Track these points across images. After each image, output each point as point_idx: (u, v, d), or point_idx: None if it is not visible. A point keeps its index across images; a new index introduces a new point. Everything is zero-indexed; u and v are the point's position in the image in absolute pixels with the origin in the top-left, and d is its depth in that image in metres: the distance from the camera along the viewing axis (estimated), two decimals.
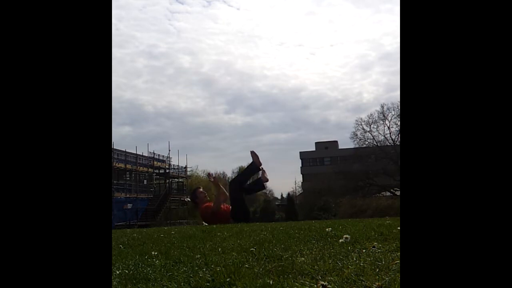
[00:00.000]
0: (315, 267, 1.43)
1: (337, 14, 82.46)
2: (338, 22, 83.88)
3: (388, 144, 36.00)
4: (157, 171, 36.86)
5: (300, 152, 59.78)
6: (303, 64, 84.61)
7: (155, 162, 35.59)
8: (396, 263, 1.40)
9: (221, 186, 6.34)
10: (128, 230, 5.22)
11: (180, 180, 37.42)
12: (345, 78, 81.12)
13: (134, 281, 1.44)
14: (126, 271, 1.61)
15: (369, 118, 37.17)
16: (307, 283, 1.26)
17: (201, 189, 6.72)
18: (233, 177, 7.88)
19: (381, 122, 36.50)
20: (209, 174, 7.05)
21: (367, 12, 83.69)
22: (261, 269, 1.46)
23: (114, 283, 1.42)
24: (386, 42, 75.71)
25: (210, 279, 1.37)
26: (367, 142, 37.44)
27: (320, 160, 57.61)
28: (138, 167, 34.09)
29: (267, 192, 61.88)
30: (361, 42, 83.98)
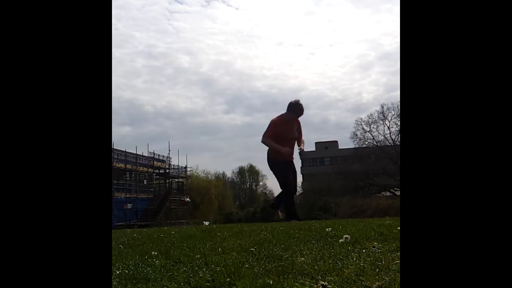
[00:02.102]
0: (315, 267, 1.43)
1: (336, 14, 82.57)
2: (337, 22, 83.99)
3: (388, 144, 36.03)
4: (157, 171, 36.88)
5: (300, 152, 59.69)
6: (302, 64, 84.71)
7: (155, 162, 35.63)
8: (396, 263, 1.40)
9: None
10: (128, 230, 5.22)
11: (180, 180, 37.45)
12: (344, 78, 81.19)
13: (134, 281, 1.44)
14: (126, 271, 1.61)
15: (369, 118, 37.22)
16: (307, 283, 1.26)
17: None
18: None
19: (381, 122, 36.55)
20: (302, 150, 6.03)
21: (367, 12, 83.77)
22: (261, 269, 1.46)
23: (114, 283, 1.42)
24: (385, 42, 75.77)
25: (210, 279, 1.37)
26: (367, 142, 37.48)
27: (320, 160, 57.65)
28: (138, 167, 34.12)
29: (267, 192, 61.98)
30: (360, 42, 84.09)
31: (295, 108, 5.71)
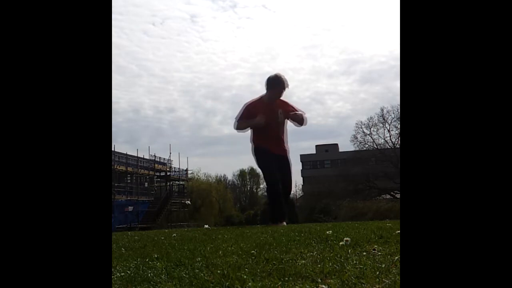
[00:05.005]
0: (316, 269, 1.44)
1: None
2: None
3: (388, 147, 36.09)
4: (158, 174, 36.91)
5: (301, 155, 59.85)
6: None
7: (156, 165, 35.64)
8: (397, 266, 1.41)
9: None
10: (129, 232, 5.23)
11: (181, 183, 37.46)
12: None
13: (135, 283, 1.45)
14: (128, 272, 1.62)
15: (369, 121, 37.27)
16: (308, 286, 1.26)
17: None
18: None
19: (381, 125, 36.62)
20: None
21: None
22: (261, 272, 1.46)
23: (116, 286, 1.42)
24: None
25: (210, 281, 1.38)
26: (367, 145, 37.55)
27: (321, 163, 57.69)
28: (139, 169, 34.14)
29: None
30: None
31: (275, 82, 4.56)
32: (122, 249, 2.53)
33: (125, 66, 73.78)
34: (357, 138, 37.38)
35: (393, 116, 35.25)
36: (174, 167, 37.48)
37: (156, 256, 2.02)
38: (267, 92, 4.68)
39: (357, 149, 37.71)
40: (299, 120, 4.71)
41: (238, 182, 65.55)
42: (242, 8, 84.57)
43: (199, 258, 1.84)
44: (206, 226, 5.96)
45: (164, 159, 36.84)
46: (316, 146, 60.09)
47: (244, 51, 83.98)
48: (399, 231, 2.35)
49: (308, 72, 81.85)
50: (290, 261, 1.63)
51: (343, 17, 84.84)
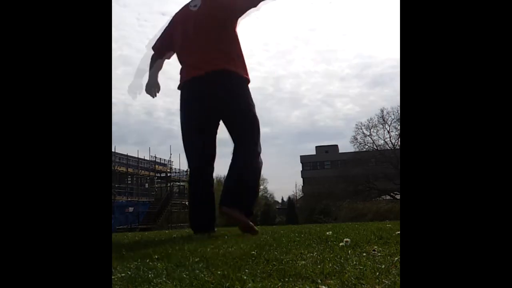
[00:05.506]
0: (316, 270, 1.44)
1: None
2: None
3: (388, 148, 36.15)
4: (159, 175, 36.94)
5: (301, 156, 59.92)
6: None
7: (156, 166, 35.68)
8: (396, 266, 1.41)
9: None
10: (130, 233, 5.23)
11: (181, 184, 37.46)
12: None
13: (136, 284, 1.45)
14: (129, 272, 1.62)
15: (369, 122, 37.36)
16: (308, 286, 1.27)
17: None
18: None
19: (381, 126, 36.70)
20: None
21: None
22: (261, 273, 1.46)
23: (116, 287, 1.43)
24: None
25: (211, 282, 1.38)
26: (367, 146, 37.63)
27: (321, 164, 57.75)
28: (140, 170, 34.18)
29: (268, 196, 61.92)
30: None
31: None
32: (123, 249, 2.53)
33: (145, 70, 74.51)
34: (357, 139, 37.50)
35: (393, 117, 35.35)
36: (175, 168, 37.53)
37: (156, 257, 2.02)
38: None
39: (357, 150, 37.81)
40: None
41: None
42: (260, 15, 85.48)
43: (198, 259, 1.84)
44: None
45: (164, 160, 36.89)
46: (316, 147, 60.16)
47: (261, 54, 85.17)
48: (399, 232, 2.35)
49: (321, 75, 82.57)
50: (290, 262, 1.63)
51: (360, 22, 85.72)
